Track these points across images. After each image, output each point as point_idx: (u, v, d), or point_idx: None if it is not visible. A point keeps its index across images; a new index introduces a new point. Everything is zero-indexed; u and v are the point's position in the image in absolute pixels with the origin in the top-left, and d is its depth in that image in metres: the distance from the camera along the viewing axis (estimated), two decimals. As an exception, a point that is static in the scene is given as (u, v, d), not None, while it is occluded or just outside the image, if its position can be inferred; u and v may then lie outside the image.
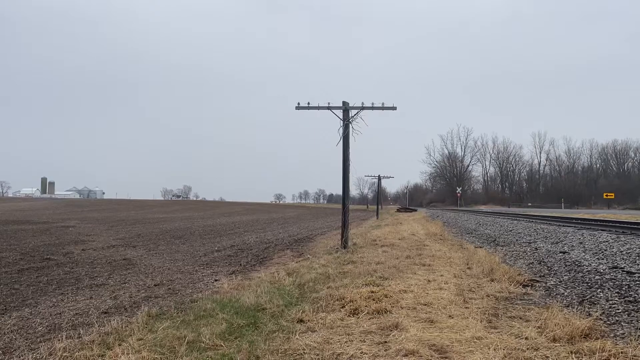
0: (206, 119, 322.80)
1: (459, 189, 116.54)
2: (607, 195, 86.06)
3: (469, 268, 10.71)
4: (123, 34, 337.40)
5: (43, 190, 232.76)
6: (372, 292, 7.69)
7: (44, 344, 6.39)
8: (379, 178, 59.30)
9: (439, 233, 23.15)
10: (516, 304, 7.31)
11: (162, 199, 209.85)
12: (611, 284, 8.15)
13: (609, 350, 4.76)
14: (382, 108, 16.36)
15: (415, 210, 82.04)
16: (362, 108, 16.23)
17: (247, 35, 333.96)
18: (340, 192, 17.51)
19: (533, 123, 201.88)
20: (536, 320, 6.08)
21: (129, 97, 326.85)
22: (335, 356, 4.87)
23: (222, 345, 5.39)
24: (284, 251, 18.20)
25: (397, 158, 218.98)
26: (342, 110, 16.29)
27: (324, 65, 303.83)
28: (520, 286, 8.66)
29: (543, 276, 9.81)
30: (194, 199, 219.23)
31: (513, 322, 6.07)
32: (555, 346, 5.07)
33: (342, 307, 6.95)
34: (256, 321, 6.44)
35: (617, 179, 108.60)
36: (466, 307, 6.88)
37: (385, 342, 5.27)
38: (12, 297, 10.40)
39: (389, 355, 4.82)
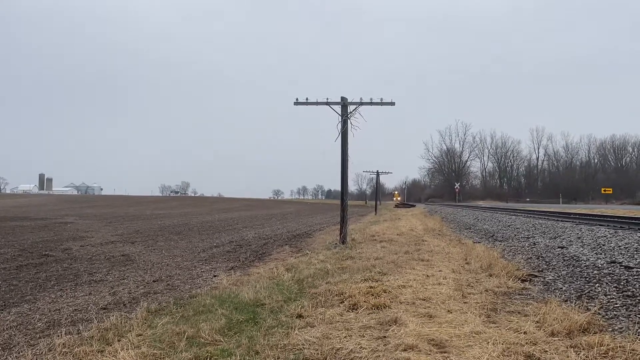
0: (204, 115, 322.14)
1: (457, 185, 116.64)
2: (605, 191, 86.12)
3: (467, 263, 10.74)
4: (121, 31, 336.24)
5: (41, 187, 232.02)
6: (371, 287, 7.70)
7: (43, 339, 6.40)
8: (377, 173, 59.32)
9: (437, 228, 23.19)
10: (515, 298, 7.33)
11: (161, 195, 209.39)
12: (609, 278, 8.17)
13: (607, 345, 4.77)
14: (381, 103, 16.34)
15: (414, 206, 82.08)
16: (361, 103, 16.21)
17: (246, 33, 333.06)
18: (338, 187, 17.52)
19: (531, 118, 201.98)
20: (535, 315, 6.09)
21: (126, 93, 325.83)
22: (334, 351, 4.87)
23: (221, 341, 5.40)
24: (283, 247, 18.21)
25: (396, 153, 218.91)
26: (340, 106, 16.27)
27: (322, 61, 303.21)
28: (519, 281, 8.69)
29: (541, 271, 9.84)
30: (193, 195, 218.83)
31: (512, 317, 6.09)
32: (554, 340, 5.08)
33: (341, 303, 6.96)
34: (255, 316, 6.45)
35: (615, 174, 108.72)
36: (465, 302, 6.90)
37: (384, 337, 5.27)
38: (11, 294, 10.40)
39: (388, 350, 4.83)
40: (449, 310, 6.38)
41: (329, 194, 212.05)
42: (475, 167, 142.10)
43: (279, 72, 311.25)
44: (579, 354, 4.63)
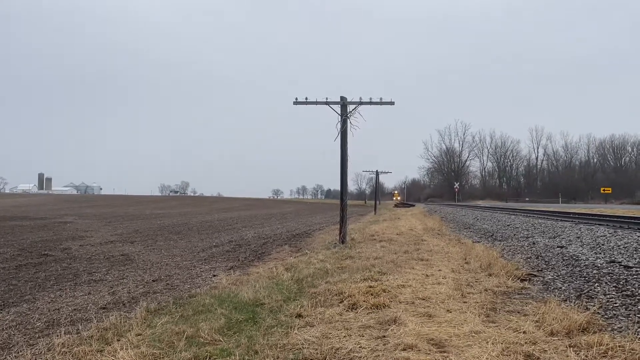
0: (204, 115, 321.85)
1: (456, 184, 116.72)
2: (604, 190, 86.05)
3: (467, 263, 10.74)
4: (121, 31, 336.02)
5: (40, 186, 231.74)
6: (371, 287, 7.70)
7: (42, 339, 6.39)
8: (377, 173, 59.26)
9: (436, 228, 23.19)
10: (514, 298, 7.33)
11: (160, 194, 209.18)
12: (609, 278, 8.17)
13: (607, 344, 4.77)
14: (380, 103, 16.34)
15: (413, 206, 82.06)
16: (360, 103, 16.20)
17: (246, 33, 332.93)
18: (338, 187, 17.49)
19: (531, 118, 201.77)
20: (534, 315, 6.09)
21: (126, 93, 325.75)
22: (333, 351, 4.87)
23: (221, 340, 5.39)
24: (282, 246, 18.21)
25: (395, 153, 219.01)
26: (340, 106, 16.26)
27: (322, 61, 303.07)
28: (518, 280, 8.69)
29: (541, 270, 9.84)
30: (192, 194, 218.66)
31: (511, 316, 6.09)
32: (553, 340, 5.09)
33: (341, 302, 6.96)
34: (255, 316, 6.45)
35: (615, 174, 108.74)
36: (464, 302, 6.90)
37: (384, 336, 5.27)
38: (10, 293, 10.40)
39: (387, 350, 4.83)
40: (448, 310, 6.38)
41: (329, 193, 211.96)
42: (474, 166, 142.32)
43: (279, 72, 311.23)
44: (578, 354, 4.64)
